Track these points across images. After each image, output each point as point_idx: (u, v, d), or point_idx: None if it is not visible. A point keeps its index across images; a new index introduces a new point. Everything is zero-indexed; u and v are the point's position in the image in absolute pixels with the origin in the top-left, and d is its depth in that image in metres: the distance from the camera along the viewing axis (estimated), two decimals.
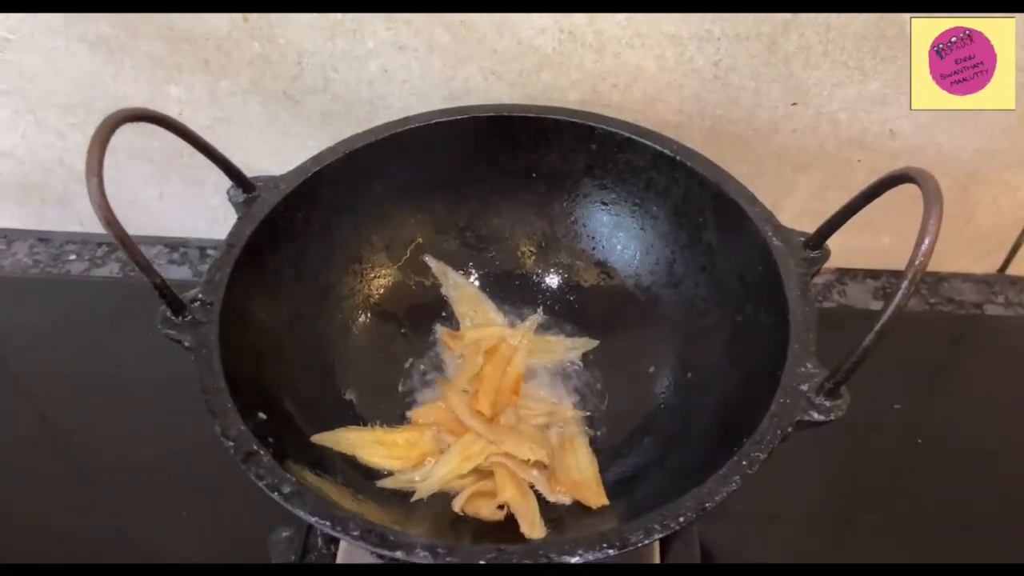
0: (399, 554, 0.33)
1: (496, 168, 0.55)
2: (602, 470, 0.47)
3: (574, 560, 0.33)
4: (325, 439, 0.45)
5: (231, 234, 0.45)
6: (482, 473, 0.47)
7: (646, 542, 0.34)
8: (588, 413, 0.51)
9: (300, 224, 0.49)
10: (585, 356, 0.54)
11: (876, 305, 0.68)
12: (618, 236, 0.55)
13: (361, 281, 0.54)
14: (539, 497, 0.46)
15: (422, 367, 0.53)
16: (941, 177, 0.61)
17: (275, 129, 0.62)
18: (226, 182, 0.47)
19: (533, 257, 0.57)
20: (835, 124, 0.59)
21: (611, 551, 0.34)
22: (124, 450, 0.57)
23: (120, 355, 0.63)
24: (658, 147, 0.51)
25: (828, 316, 0.67)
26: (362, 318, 0.53)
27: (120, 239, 0.38)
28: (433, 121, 0.52)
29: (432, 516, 0.45)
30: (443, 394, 0.50)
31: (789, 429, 0.37)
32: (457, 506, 0.45)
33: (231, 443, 0.36)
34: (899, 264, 0.69)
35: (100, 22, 0.56)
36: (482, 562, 0.33)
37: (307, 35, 0.56)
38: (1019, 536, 0.53)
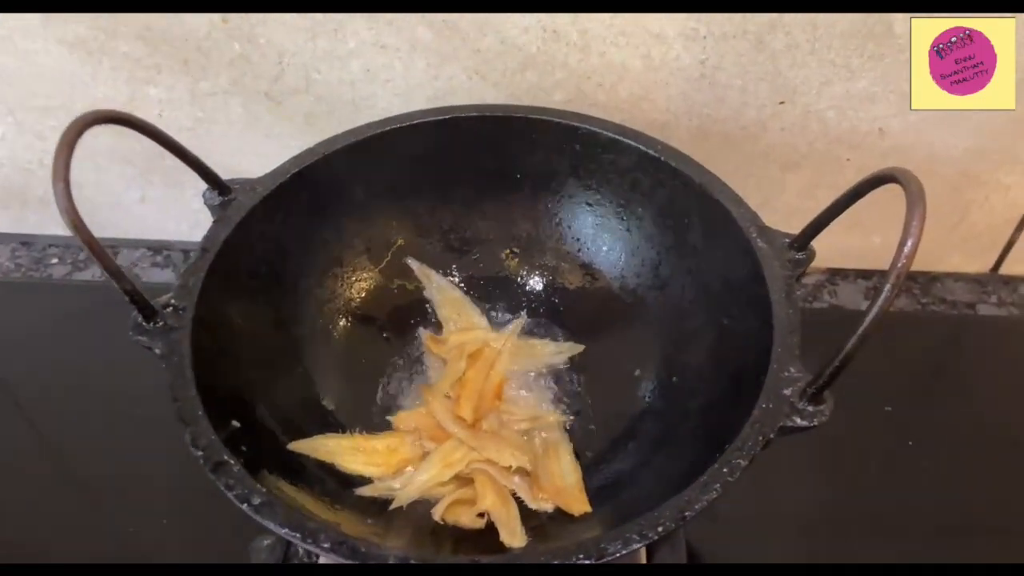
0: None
1: (480, 169, 0.54)
2: (586, 476, 0.47)
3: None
4: (302, 447, 0.45)
5: (206, 238, 0.44)
6: (463, 480, 0.46)
7: (623, 552, 0.33)
8: (571, 417, 0.50)
9: (278, 227, 0.48)
10: (570, 360, 0.53)
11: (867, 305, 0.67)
12: (603, 238, 0.54)
13: (342, 285, 0.53)
14: (521, 504, 0.45)
15: (404, 372, 0.52)
16: (932, 176, 0.61)
17: (257, 130, 0.61)
18: None
19: (517, 259, 0.56)
20: (824, 123, 0.58)
21: (587, 562, 0.33)
22: (106, 454, 0.57)
23: (102, 359, 0.62)
24: (643, 147, 0.50)
25: (819, 317, 0.67)
26: (343, 322, 0.52)
27: (88, 243, 0.37)
28: (415, 122, 0.51)
29: (412, 524, 0.44)
30: (424, 399, 0.50)
31: (771, 435, 0.36)
32: (437, 514, 0.44)
33: (200, 452, 0.35)
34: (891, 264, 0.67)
35: (78, 23, 0.55)
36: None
37: (288, 35, 0.55)
38: (1011, 537, 0.53)
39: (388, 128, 0.51)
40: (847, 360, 0.35)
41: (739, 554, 0.52)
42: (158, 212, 0.68)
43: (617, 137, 0.50)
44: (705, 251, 0.48)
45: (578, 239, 0.55)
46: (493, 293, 0.56)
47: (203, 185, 0.47)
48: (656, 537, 0.34)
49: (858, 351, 0.35)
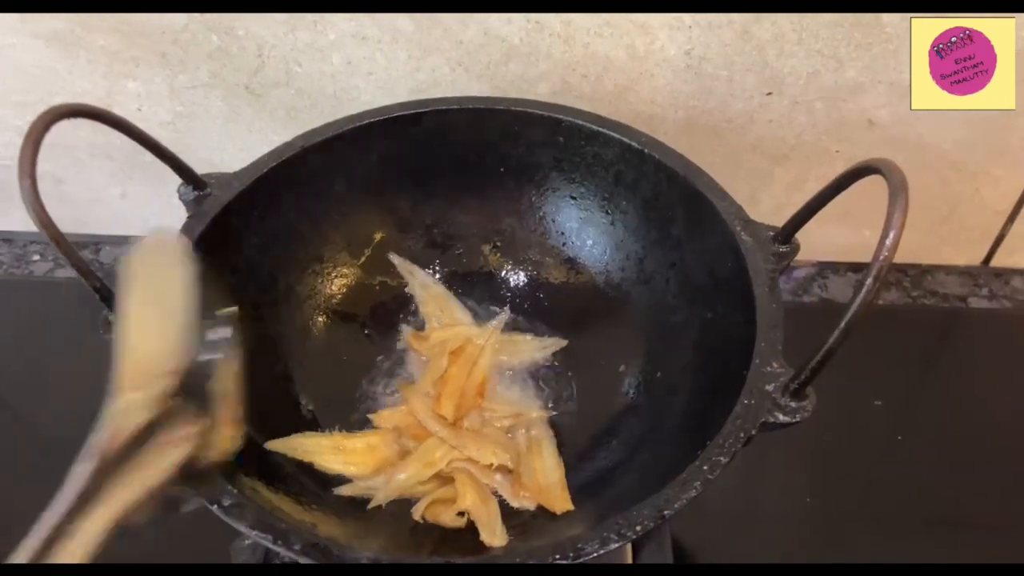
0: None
1: (462, 163, 0.53)
2: (569, 473, 0.46)
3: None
4: (280, 446, 0.44)
5: (179, 233, 0.44)
6: (444, 479, 0.45)
7: (601, 552, 0.33)
8: (555, 414, 0.49)
9: (255, 222, 0.47)
10: (554, 356, 0.52)
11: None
12: (588, 231, 0.53)
13: (322, 281, 0.52)
14: (504, 503, 0.44)
15: (385, 370, 0.52)
16: (922, 168, 0.61)
17: (239, 125, 0.60)
18: None
19: (501, 254, 0.55)
20: (812, 114, 0.57)
21: (564, 562, 0.32)
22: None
23: (84, 355, 0.61)
24: (626, 140, 0.49)
25: (809, 310, 0.67)
26: (322, 319, 0.52)
27: (55, 240, 0.37)
28: (395, 115, 0.50)
29: (392, 524, 0.44)
30: (405, 397, 0.49)
31: (753, 432, 0.36)
32: (417, 513, 0.43)
33: None
34: None
35: (53, 16, 0.54)
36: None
37: (267, 27, 0.54)
38: (1002, 531, 0.52)
39: (367, 121, 0.50)
40: (830, 355, 0.34)
41: (727, 549, 0.52)
42: (140, 208, 0.68)
43: (600, 129, 0.50)
44: (689, 245, 0.48)
45: (562, 233, 0.54)
46: (476, 289, 0.55)
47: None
48: (635, 536, 0.33)
49: (841, 345, 0.34)
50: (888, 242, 0.32)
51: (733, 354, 0.40)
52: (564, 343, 0.52)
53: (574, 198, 0.53)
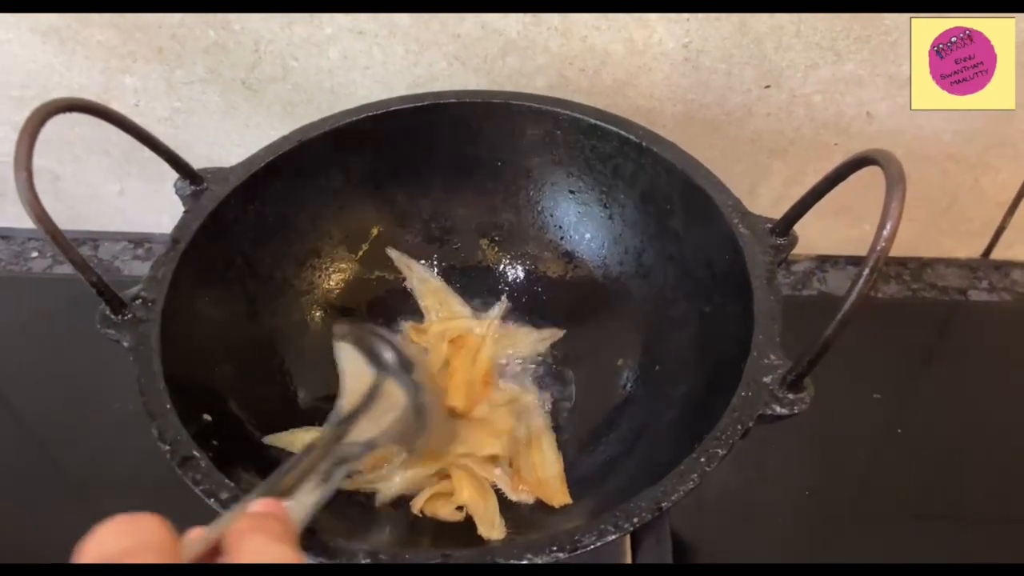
0: (341, 560, 0.32)
1: (460, 157, 0.53)
2: (568, 466, 0.46)
3: (523, 563, 0.32)
4: (278, 440, 0.44)
5: (176, 228, 0.44)
6: (441, 473, 0.45)
7: (598, 544, 0.33)
8: (553, 407, 0.49)
9: (252, 217, 0.47)
10: (553, 348, 0.52)
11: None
12: (586, 225, 0.53)
13: (319, 275, 0.52)
14: (502, 497, 0.44)
15: None
16: (921, 161, 0.60)
17: (236, 119, 0.60)
18: None
19: (499, 248, 0.55)
20: (810, 107, 0.57)
21: (561, 555, 0.32)
22: (86, 446, 0.56)
23: (82, 351, 0.62)
24: (624, 133, 0.49)
25: (808, 304, 0.67)
26: (320, 314, 0.52)
27: (52, 235, 0.37)
28: (392, 108, 0.50)
29: (392, 517, 0.44)
30: None
31: (750, 424, 0.36)
32: (416, 507, 0.43)
33: (167, 447, 0.35)
34: None
35: (50, 12, 0.54)
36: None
37: (263, 22, 0.54)
38: (1001, 524, 0.52)
39: (364, 115, 0.50)
40: (827, 346, 0.34)
41: (726, 542, 0.52)
42: (138, 204, 0.68)
43: (598, 123, 0.50)
44: (687, 238, 0.48)
45: (560, 227, 0.54)
46: (474, 283, 0.55)
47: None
48: (632, 528, 0.33)
49: (838, 337, 0.34)
50: (885, 233, 0.32)
51: (731, 347, 0.40)
52: (561, 333, 0.52)
53: (572, 192, 0.53)
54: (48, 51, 0.57)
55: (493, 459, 0.45)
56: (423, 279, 0.54)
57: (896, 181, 0.33)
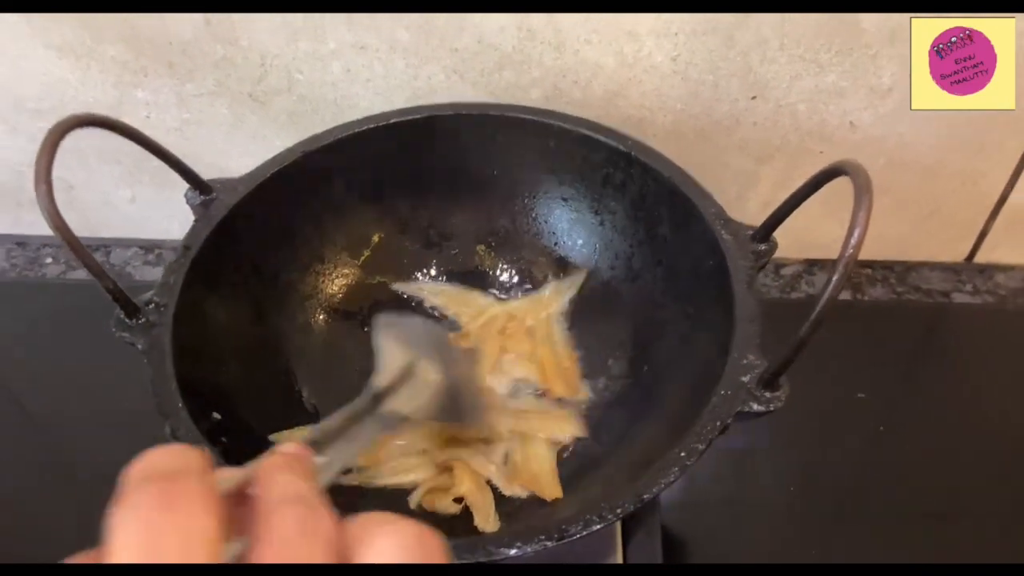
0: None
1: (458, 166, 0.55)
2: (560, 462, 0.48)
3: (512, 552, 0.34)
4: (283, 438, 0.46)
5: (187, 236, 0.46)
6: (441, 467, 0.48)
7: (584, 533, 0.35)
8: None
9: (259, 225, 0.50)
10: None
11: (845, 296, 0.69)
12: (578, 231, 0.56)
13: (323, 280, 0.55)
14: (496, 491, 0.47)
15: None
16: (904, 167, 0.63)
17: (243, 130, 0.63)
18: None
19: (495, 254, 0.58)
20: (795, 116, 0.59)
21: (548, 543, 0.34)
22: (100, 445, 0.58)
23: (95, 354, 0.64)
24: (614, 143, 0.51)
25: (795, 305, 0.69)
26: (323, 317, 0.54)
27: (70, 243, 0.39)
28: (392, 121, 0.52)
29: (391, 511, 0.46)
30: None
31: (729, 421, 0.38)
32: (413, 502, 0.46)
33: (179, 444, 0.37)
34: (872, 254, 0.69)
35: (64, 27, 0.57)
36: None
37: (269, 37, 0.57)
38: (980, 520, 0.54)
39: (366, 127, 0.52)
40: (801, 345, 0.36)
41: (713, 534, 0.54)
42: (149, 212, 0.70)
43: (589, 134, 0.52)
44: (674, 243, 0.50)
45: (554, 233, 0.56)
46: (472, 287, 0.57)
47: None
48: (615, 519, 0.35)
49: (812, 336, 0.36)
50: (853, 240, 0.34)
51: (714, 347, 0.42)
52: (583, 273, 0.55)
53: (565, 199, 0.55)
54: (63, 66, 0.59)
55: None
56: (436, 292, 0.57)
57: (863, 191, 0.35)
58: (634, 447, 0.46)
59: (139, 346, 0.41)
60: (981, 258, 0.70)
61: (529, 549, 0.34)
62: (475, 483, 0.46)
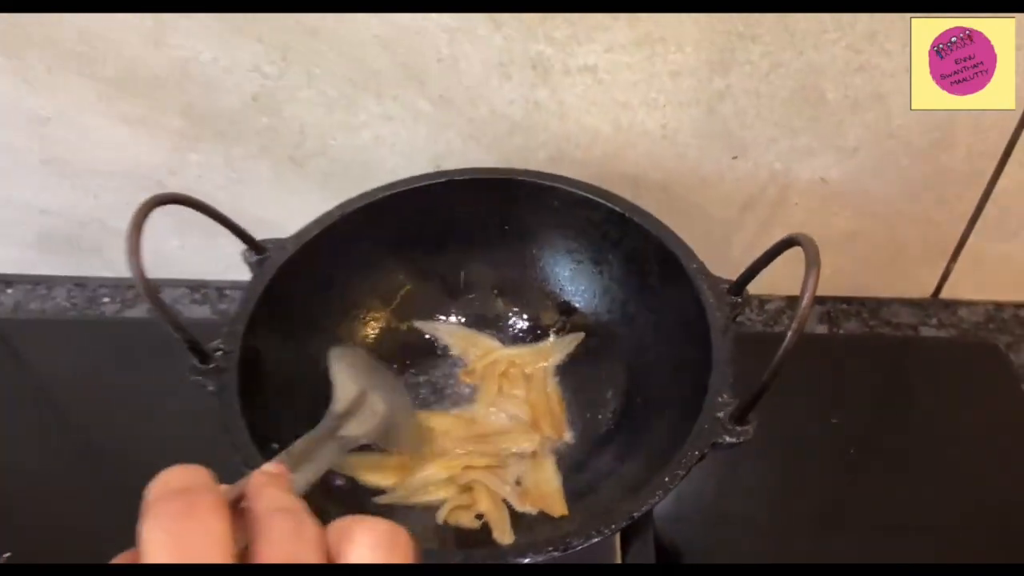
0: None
1: (474, 223, 0.63)
2: (565, 482, 0.56)
3: (526, 560, 0.42)
4: None
5: (246, 290, 0.54)
6: (463, 488, 0.55)
7: (585, 545, 0.42)
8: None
9: (305, 279, 0.57)
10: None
11: (822, 329, 0.76)
12: (580, 280, 0.63)
13: (358, 325, 0.62)
14: (511, 509, 0.54)
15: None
16: (871, 216, 0.71)
17: (283, 188, 0.71)
18: None
19: (508, 300, 0.65)
20: (773, 173, 0.67)
21: (555, 553, 0.42)
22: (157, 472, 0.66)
23: (150, 387, 0.71)
24: (610, 205, 0.59)
25: (778, 339, 0.74)
26: None
27: (159, 309, 0.46)
28: (415, 186, 0.60)
29: (421, 526, 0.53)
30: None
31: (705, 451, 0.45)
32: (440, 518, 0.53)
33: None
34: (846, 291, 0.77)
35: (132, 104, 0.65)
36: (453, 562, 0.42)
37: (308, 110, 0.65)
38: (941, 532, 0.61)
39: (394, 191, 0.60)
40: (764, 388, 0.43)
41: (701, 545, 0.61)
42: (195, 255, 0.78)
43: (589, 196, 0.59)
44: (663, 293, 0.57)
45: (559, 281, 0.64)
46: (487, 329, 0.65)
47: (233, 237, 0.55)
48: (611, 533, 0.43)
49: (772, 382, 0.43)
50: (803, 304, 0.41)
51: (695, 385, 0.50)
52: (580, 335, 0.62)
53: (568, 252, 0.63)
54: (128, 133, 0.67)
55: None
56: (450, 332, 0.64)
57: (812, 262, 0.42)
58: (627, 472, 0.54)
59: (211, 388, 0.49)
60: (945, 294, 0.77)
61: (540, 558, 0.42)
62: (492, 502, 0.54)
